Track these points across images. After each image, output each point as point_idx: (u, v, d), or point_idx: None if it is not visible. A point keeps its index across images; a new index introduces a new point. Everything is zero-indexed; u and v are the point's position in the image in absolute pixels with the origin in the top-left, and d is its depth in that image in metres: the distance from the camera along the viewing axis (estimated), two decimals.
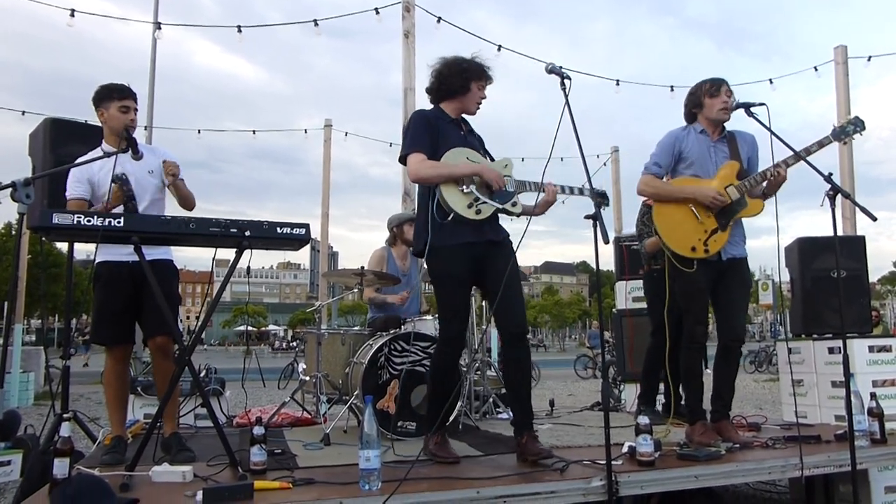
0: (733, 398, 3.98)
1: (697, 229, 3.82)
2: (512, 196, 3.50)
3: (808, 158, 3.59)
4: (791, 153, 3.65)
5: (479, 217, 3.36)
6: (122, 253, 3.46)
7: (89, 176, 3.54)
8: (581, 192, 3.64)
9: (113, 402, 3.66)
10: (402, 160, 3.44)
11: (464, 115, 3.63)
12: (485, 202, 3.37)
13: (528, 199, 3.56)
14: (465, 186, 3.35)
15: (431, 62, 3.56)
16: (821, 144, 3.72)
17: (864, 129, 3.80)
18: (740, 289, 3.92)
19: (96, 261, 3.51)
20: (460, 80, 3.48)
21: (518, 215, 3.55)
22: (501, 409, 5.00)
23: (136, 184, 3.57)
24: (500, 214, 3.50)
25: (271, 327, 61.29)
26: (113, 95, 3.59)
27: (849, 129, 3.78)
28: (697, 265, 3.80)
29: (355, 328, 5.12)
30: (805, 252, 5.06)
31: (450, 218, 3.31)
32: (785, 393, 5.13)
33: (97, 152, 3.58)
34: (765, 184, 3.86)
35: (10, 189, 2.44)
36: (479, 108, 3.61)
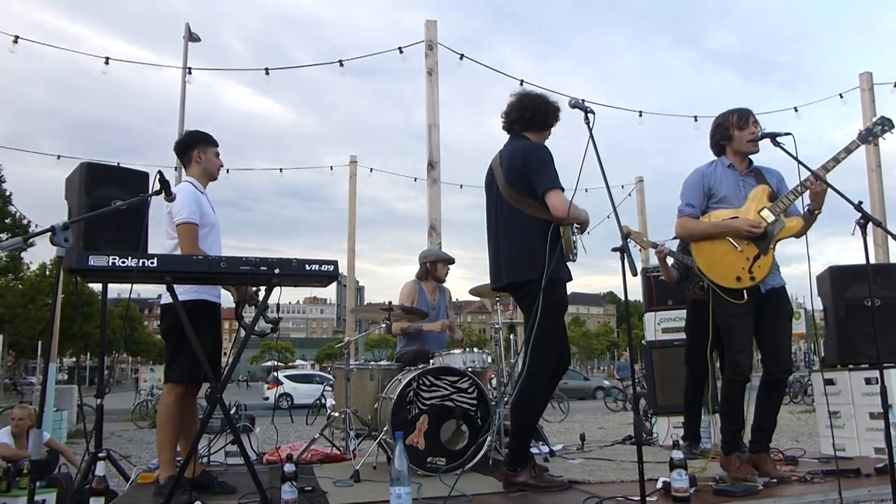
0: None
1: (739, 259, 3.72)
2: None
3: (840, 171, 3.54)
4: (824, 160, 3.58)
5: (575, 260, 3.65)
6: (213, 294, 3.64)
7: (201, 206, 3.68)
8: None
9: (172, 440, 3.56)
10: (543, 193, 3.48)
11: None
12: (579, 247, 3.64)
13: None
14: (572, 229, 3.59)
15: (516, 93, 3.78)
16: (848, 150, 3.65)
17: (892, 127, 3.71)
18: (783, 318, 3.83)
19: (191, 299, 3.49)
20: (550, 118, 3.73)
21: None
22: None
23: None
24: None
25: (298, 362, 61.25)
26: (211, 141, 3.89)
27: (876, 130, 3.70)
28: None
29: (383, 363, 5.12)
30: (837, 281, 4.99)
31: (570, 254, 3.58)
32: (822, 425, 5.01)
33: (186, 187, 3.69)
34: (807, 196, 3.71)
35: (49, 233, 2.51)
36: None
